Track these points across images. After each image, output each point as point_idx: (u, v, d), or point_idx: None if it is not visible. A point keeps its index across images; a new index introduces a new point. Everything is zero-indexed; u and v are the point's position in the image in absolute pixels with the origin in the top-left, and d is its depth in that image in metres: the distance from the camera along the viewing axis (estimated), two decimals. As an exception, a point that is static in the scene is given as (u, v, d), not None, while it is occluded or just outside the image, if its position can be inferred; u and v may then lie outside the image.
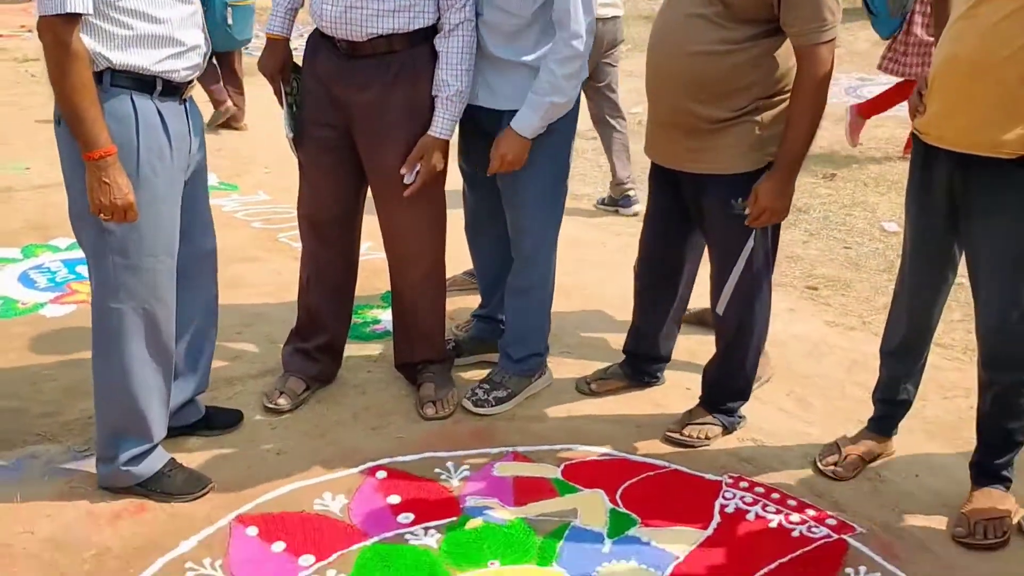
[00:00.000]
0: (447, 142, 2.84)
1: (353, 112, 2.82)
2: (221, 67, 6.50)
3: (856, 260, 4.45)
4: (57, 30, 2.19)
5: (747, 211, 2.64)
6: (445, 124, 2.81)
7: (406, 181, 2.83)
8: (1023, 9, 2.21)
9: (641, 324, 3.15)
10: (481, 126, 2.92)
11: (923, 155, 2.51)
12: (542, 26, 2.79)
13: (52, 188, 5.08)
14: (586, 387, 3.22)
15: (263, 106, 6.31)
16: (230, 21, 6.19)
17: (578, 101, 2.94)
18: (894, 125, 6.68)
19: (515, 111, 2.83)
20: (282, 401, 3.03)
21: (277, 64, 2.91)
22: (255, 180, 5.46)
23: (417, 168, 2.82)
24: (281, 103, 2.95)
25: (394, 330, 3.20)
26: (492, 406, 3.07)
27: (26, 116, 6.70)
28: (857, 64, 8.47)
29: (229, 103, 6.58)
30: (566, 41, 2.73)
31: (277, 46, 2.92)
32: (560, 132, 2.91)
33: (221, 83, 6.54)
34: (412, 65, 2.78)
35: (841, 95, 7.45)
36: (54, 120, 2.37)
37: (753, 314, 2.82)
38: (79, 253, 4.16)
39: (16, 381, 3.19)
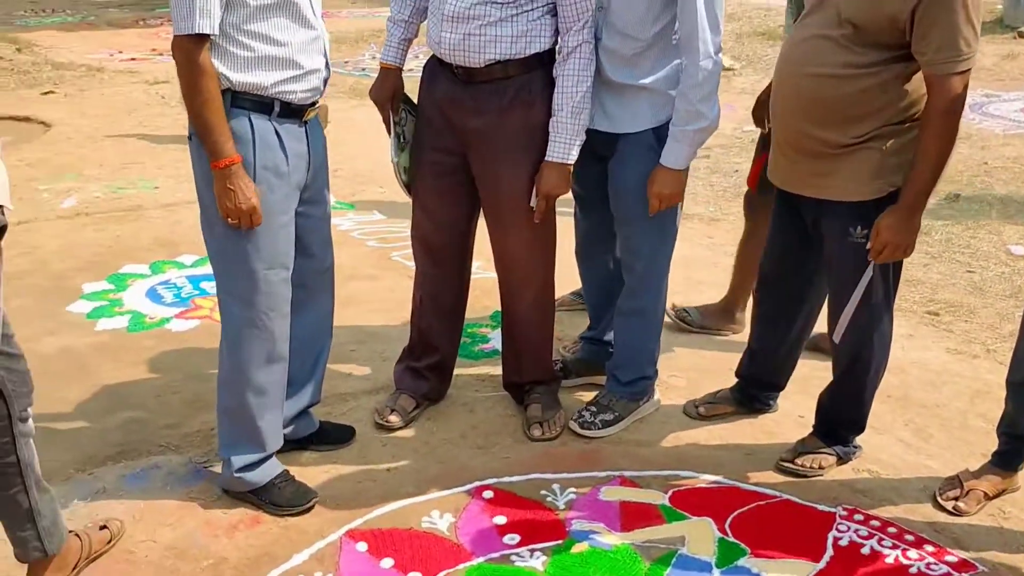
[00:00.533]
0: (565, 166, 2.82)
1: (469, 138, 2.86)
2: None
3: (980, 285, 4.28)
4: (188, 49, 2.34)
5: (868, 242, 2.56)
6: (557, 148, 2.81)
7: (531, 204, 2.86)
8: None
9: (757, 349, 3.09)
10: (595, 150, 2.92)
11: None
12: (661, 48, 2.79)
13: (179, 206, 5.33)
14: (694, 411, 3.18)
15: (374, 126, 6.48)
16: None
17: None
18: (1022, 144, 6.42)
19: (630, 134, 2.83)
20: (393, 418, 3.09)
21: (388, 93, 2.97)
22: (371, 200, 5.58)
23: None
24: (389, 131, 3.02)
25: (503, 350, 3.23)
26: (599, 428, 3.06)
27: (156, 136, 7.01)
28: (983, 80, 8.16)
29: None
30: (696, 64, 2.71)
31: (389, 75, 2.98)
32: None
33: None
34: (528, 90, 2.80)
35: (967, 112, 7.18)
36: (188, 135, 2.50)
37: (871, 345, 2.73)
38: (204, 269, 4.35)
39: (143, 393, 3.34)
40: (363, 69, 9.85)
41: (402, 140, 3.01)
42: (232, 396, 2.63)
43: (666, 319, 3.44)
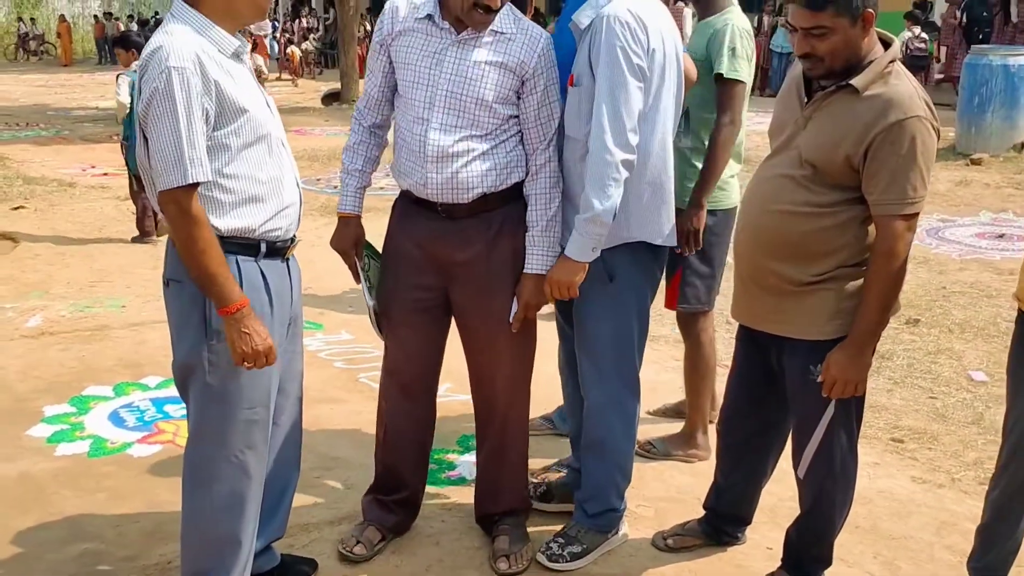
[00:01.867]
0: (542, 277, 2.88)
1: (455, 271, 2.91)
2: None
3: (943, 411, 4.32)
4: (180, 200, 2.32)
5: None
6: (535, 260, 2.88)
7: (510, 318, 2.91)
8: None
9: (724, 485, 3.07)
10: None
11: None
12: None
13: (145, 326, 5.30)
14: (663, 543, 3.15)
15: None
16: None
17: (649, 267, 2.97)
18: (979, 268, 6.58)
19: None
20: (359, 550, 3.04)
21: (351, 241, 3.01)
22: (340, 319, 5.59)
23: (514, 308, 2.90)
24: (356, 279, 3.04)
25: (478, 479, 3.21)
26: (567, 561, 3.02)
27: (125, 254, 7.02)
28: (938, 205, 8.41)
29: (151, 232, 7.28)
30: (590, 153, 2.74)
31: (350, 223, 3.02)
32: (623, 290, 2.91)
33: (146, 207, 7.15)
34: (512, 219, 2.89)
35: (924, 237, 7.39)
36: (163, 282, 2.49)
37: (836, 481, 2.72)
38: (169, 391, 4.31)
39: (101, 523, 3.26)
40: (335, 187, 9.96)
41: (370, 284, 3.04)
42: (200, 533, 2.57)
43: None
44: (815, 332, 2.60)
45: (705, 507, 3.15)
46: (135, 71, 6.74)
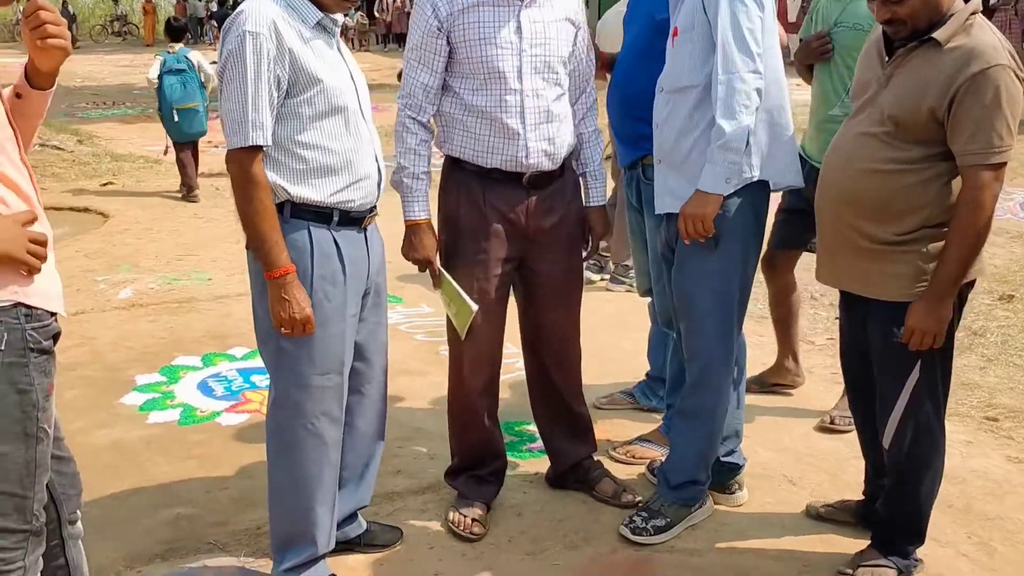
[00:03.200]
0: (603, 208, 3.14)
1: (539, 237, 2.97)
2: (184, 153, 8.24)
3: (1040, 389, 4.18)
4: (242, 161, 2.39)
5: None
6: (598, 192, 3.13)
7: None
8: None
9: (868, 465, 2.98)
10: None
11: None
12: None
13: (231, 299, 5.41)
14: (815, 511, 3.13)
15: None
16: (176, 119, 8.06)
17: (761, 220, 2.93)
18: (1077, 242, 6.34)
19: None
20: (477, 529, 3.05)
21: (433, 248, 2.96)
22: (418, 293, 5.61)
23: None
24: (437, 285, 2.99)
25: (551, 438, 3.26)
26: (651, 535, 3.00)
27: (210, 228, 7.16)
28: (1033, 177, 8.11)
29: (194, 187, 8.23)
30: (717, 77, 2.71)
31: (428, 230, 2.96)
32: (731, 240, 2.85)
33: (188, 168, 8.24)
34: (575, 181, 3.06)
35: (1017, 210, 7.13)
36: (247, 244, 2.54)
37: (921, 451, 2.67)
38: (255, 362, 4.39)
39: (192, 489, 3.34)
40: (412, 162, 10.02)
41: (456, 288, 2.94)
42: (283, 499, 2.62)
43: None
44: (899, 294, 2.57)
45: (865, 493, 3.06)
46: (170, 52, 8.21)
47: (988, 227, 2.48)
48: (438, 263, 2.97)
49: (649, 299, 3.63)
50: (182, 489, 3.34)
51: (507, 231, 2.94)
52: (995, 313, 5.11)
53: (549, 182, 2.95)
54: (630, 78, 3.24)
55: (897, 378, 2.62)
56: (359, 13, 27.97)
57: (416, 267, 2.99)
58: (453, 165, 2.98)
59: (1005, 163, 2.44)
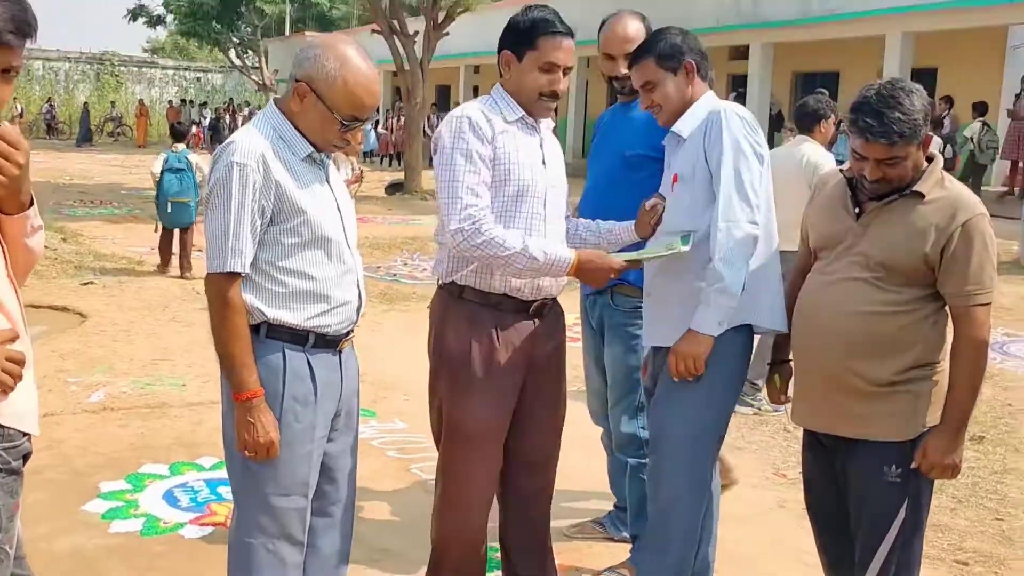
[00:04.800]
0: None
1: (539, 363, 3.00)
2: (170, 237, 9.66)
3: (1009, 534, 4.18)
4: (220, 285, 2.45)
5: (902, 481, 2.63)
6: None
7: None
8: None
9: None
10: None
11: None
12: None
13: (204, 406, 5.37)
14: None
15: (402, 332, 6.60)
16: (169, 209, 9.44)
17: (745, 361, 2.97)
18: (1046, 386, 6.42)
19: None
20: None
21: (607, 258, 2.94)
22: (393, 407, 5.61)
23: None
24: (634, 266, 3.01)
25: (520, 568, 3.18)
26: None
27: (189, 333, 7.15)
28: (1003, 320, 8.26)
29: (167, 266, 9.65)
30: (717, 223, 2.80)
31: (603, 258, 2.97)
32: (714, 379, 2.87)
33: (166, 250, 9.67)
34: (560, 308, 3.09)
35: (988, 352, 7.23)
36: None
37: None
38: (222, 473, 4.32)
39: (150, 604, 3.27)
40: (394, 275, 10.13)
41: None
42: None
43: None
44: (897, 433, 2.64)
45: None
46: (173, 151, 9.63)
47: (986, 359, 2.64)
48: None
49: (602, 429, 3.65)
50: (140, 603, 3.27)
51: (518, 361, 2.95)
52: (966, 454, 5.11)
53: (549, 308, 3.02)
54: (600, 209, 3.34)
55: (885, 517, 2.67)
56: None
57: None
58: (453, 299, 2.97)
59: (991, 301, 2.61)
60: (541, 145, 2.97)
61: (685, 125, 2.96)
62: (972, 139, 14.69)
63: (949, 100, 15.28)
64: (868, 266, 2.64)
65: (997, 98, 17.42)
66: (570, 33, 2.88)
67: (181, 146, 9.74)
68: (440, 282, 3.02)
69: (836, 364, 2.67)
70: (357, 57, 2.51)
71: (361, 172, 8.64)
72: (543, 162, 2.96)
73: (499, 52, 2.93)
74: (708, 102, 2.96)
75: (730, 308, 2.80)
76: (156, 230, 9.81)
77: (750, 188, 2.82)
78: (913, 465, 2.62)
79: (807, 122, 5.73)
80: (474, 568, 3.08)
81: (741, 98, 20.88)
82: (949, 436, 2.61)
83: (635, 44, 3.34)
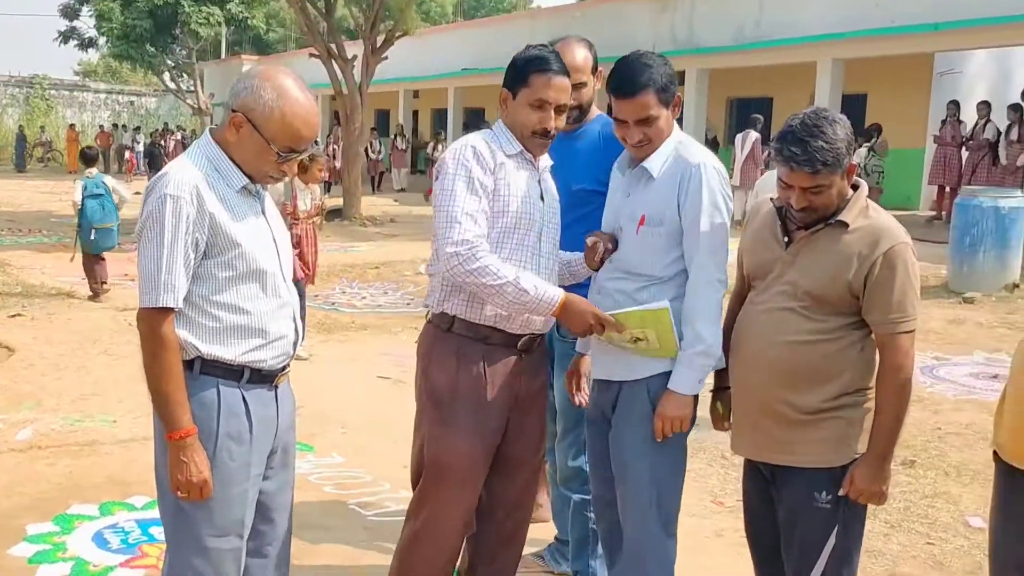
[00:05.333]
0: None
1: (524, 401, 2.98)
2: (96, 262, 9.67)
3: (940, 558, 4.26)
4: (152, 320, 2.40)
5: (832, 507, 2.67)
6: None
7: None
8: None
9: None
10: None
11: (1006, 476, 2.49)
12: (662, 286, 2.93)
13: (136, 443, 5.25)
14: None
15: (340, 363, 6.54)
16: (92, 237, 9.51)
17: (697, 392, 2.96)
18: (974, 409, 6.58)
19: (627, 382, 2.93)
20: None
21: (590, 307, 2.88)
22: (331, 442, 5.54)
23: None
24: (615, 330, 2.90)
25: None
26: None
27: (120, 367, 6.99)
28: (933, 343, 8.45)
29: (99, 291, 9.63)
30: (694, 284, 2.84)
31: (581, 304, 2.93)
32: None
33: (96, 275, 9.65)
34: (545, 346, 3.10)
35: (918, 375, 7.39)
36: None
37: None
38: (154, 513, 4.23)
39: (77, 654, 3.17)
40: (333, 303, 10.04)
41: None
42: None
43: None
44: (826, 460, 2.68)
45: None
46: (89, 177, 9.57)
47: (910, 386, 2.68)
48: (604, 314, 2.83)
49: (547, 461, 3.64)
50: (67, 653, 3.17)
51: (503, 399, 2.92)
52: (898, 479, 5.23)
53: (537, 344, 3.00)
54: None
55: (816, 543, 2.70)
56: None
57: None
58: (440, 333, 2.94)
59: (915, 329, 2.65)
60: (539, 181, 2.99)
61: (655, 163, 2.92)
62: (859, 165, 15.08)
63: (878, 127, 15.66)
64: (796, 295, 2.69)
65: (925, 123, 17.95)
66: (564, 72, 2.90)
67: (94, 170, 9.76)
68: (430, 314, 3.00)
69: (766, 392, 2.72)
70: (295, 88, 2.49)
71: (323, 203, 8.30)
72: (540, 197, 2.97)
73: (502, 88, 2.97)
74: (674, 137, 2.95)
75: (709, 367, 2.85)
76: (72, 259, 9.80)
77: (722, 246, 2.87)
78: (841, 492, 2.66)
79: None
80: None
81: (678, 123, 21.24)
82: (876, 463, 2.65)
83: (583, 73, 3.36)
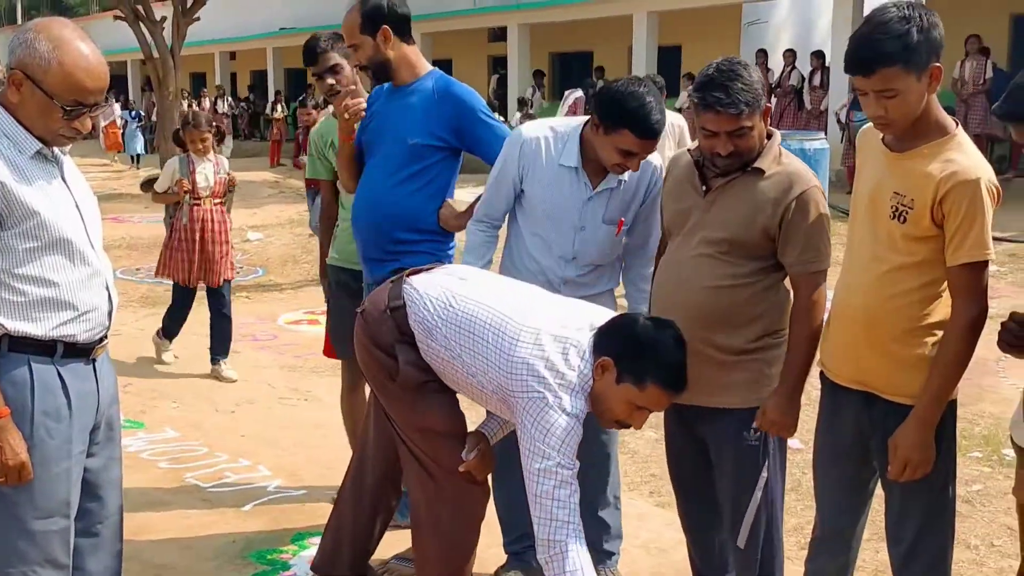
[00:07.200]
0: None
1: None
2: None
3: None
4: None
5: (759, 444, 2.78)
6: None
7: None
8: (909, 265, 2.45)
9: (702, 564, 3.09)
10: None
11: (831, 391, 2.70)
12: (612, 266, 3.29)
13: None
14: None
15: (185, 338, 6.33)
16: None
17: None
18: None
19: None
20: None
21: None
22: (163, 416, 5.36)
23: None
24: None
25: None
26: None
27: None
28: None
29: None
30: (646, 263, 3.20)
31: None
32: None
33: None
34: None
35: (823, 315, 7.72)
36: None
37: (773, 544, 2.86)
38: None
39: None
40: (137, 270, 9.67)
41: None
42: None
43: None
44: (751, 400, 2.79)
45: None
46: None
47: (821, 323, 2.78)
48: None
49: None
50: None
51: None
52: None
53: None
54: (384, 199, 3.32)
55: (750, 479, 2.81)
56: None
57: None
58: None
59: (827, 268, 2.77)
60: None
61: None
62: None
63: (691, 77, 16.20)
64: (714, 241, 2.77)
65: (735, 73, 18.65)
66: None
67: None
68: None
69: (691, 336, 2.74)
70: (74, 37, 2.35)
71: (231, 176, 6.33)
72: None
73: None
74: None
75: None
76: None
77: None
78: (754, 424, 2.77)
79: None
80: None
81: (503, 80, 21.36)
82: (786, 395, 2.75)
83: (353, 37, 3.33)
